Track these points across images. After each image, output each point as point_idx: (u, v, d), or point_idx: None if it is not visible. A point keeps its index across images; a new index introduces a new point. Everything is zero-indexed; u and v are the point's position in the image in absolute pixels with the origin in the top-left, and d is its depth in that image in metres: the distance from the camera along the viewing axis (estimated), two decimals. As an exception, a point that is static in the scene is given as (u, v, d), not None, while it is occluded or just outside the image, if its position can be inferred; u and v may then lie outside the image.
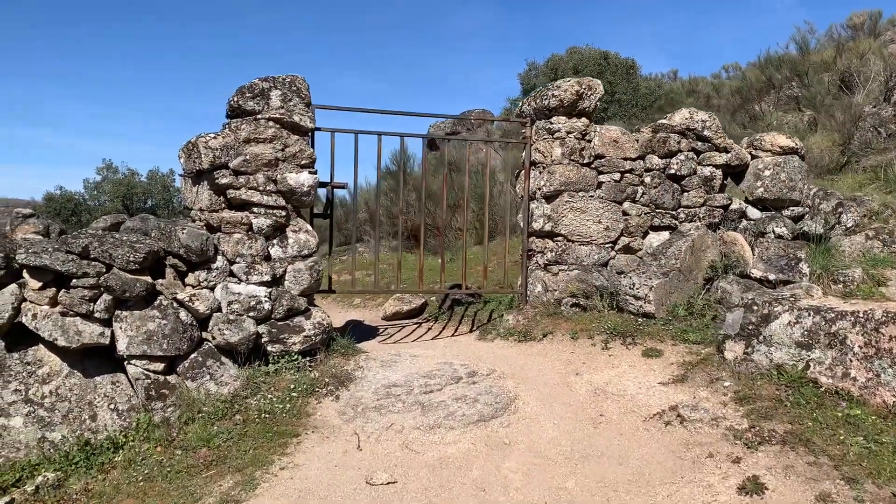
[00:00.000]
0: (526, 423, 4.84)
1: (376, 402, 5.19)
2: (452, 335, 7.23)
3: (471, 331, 7.29)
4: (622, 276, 6.60)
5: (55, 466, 4.97)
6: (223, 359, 5.55)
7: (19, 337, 5.21)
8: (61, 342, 5.07)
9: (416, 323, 8.17)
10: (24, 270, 5.17)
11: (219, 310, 5.57)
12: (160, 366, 5.33)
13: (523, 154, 7.21)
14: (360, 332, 7.39)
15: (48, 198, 21.66)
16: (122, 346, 5.24)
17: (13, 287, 5.11)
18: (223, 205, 5.80)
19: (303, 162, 5.98)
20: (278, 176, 5.86)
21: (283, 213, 5.89)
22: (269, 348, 5.68)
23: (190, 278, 5.57)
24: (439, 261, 12.75)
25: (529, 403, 5.14)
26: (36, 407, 5.17)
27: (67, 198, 21.49)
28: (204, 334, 5.59)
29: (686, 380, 5.29)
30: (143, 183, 21.78)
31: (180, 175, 6.18)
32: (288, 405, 5.19)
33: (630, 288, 6.38)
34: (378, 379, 5.58)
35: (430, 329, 7.68)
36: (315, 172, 6.04)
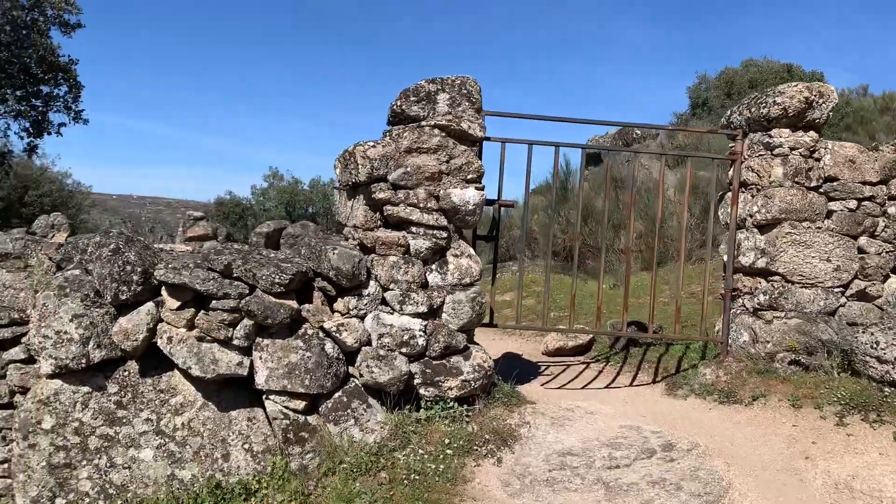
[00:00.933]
0: (748, 528, 3.69)
1: (548, 474, 4.22)
2: (631, 384, 6.12)
3: (654, 381, 6.14)
4: (859, 330, 5.22)
5: (183, 510, 4.42)
6: (370, 400, 4.80)
7: (153, 361, 4.73)
8: (195, 371, 4.52)
9: (582, 363, 7.11)
10: (163, 287, 4.68)
11: (368, 343, 4.83)
12: (301, 404, 4.66)
13: (730, 173, 5.98)
14: (518, 368, 6.43)
15: (219, 202, 22.65)
16: (260, 379, 4.62)
17: (150, 306, 4.62)
18: (379, 222, 5.08)
19: (469, 176, 5.14)
20: (441, 191, 5.05)
21: (444, 235, 5.07)
22: (421, 392, 4.87)
23: (338, 304, 4.88)
24: (599, 285, 11.56)
25: (748, 496, 3.97)
26: (167, 440, 4.65)
27: (235, 203, 22.33)
28: (350, 370, 4.88)
29: (971, 485, 3.90)
30: (305, 191, 22.22)
31: (335, 187, 5.55)
32: (441, 466, 4.34)
33: (872, 347, 4.99)
34: (549, 442, 4.60)
35: (600, 373, 6.61)
36: (482, 188, 5.19)
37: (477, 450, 4.54)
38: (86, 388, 4.62)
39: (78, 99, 11.94)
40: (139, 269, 4.57)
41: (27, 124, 11.51)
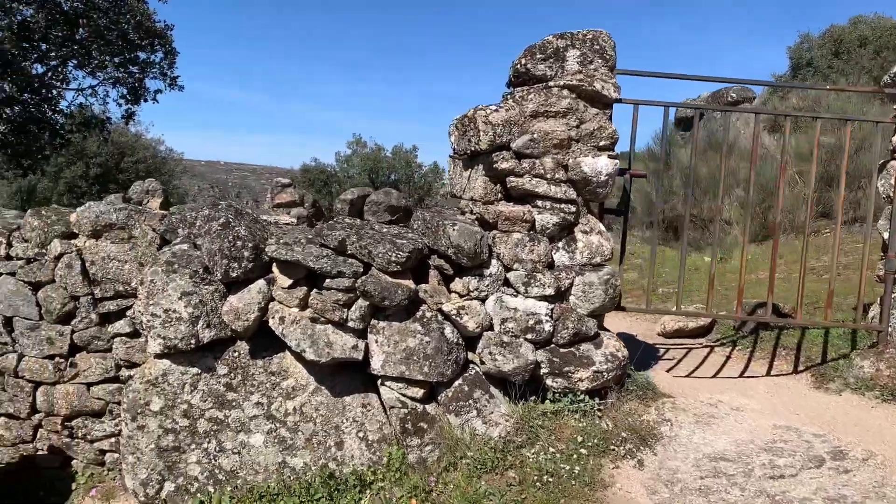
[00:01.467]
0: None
1: (700, 482, 3.74)
2: (768, 374, 5.52)
3: (796, 371, 5.52)
4: None
5: (295, 500, 4.16)
6: (492, 390, 4.41)
7: (263, 340, 4.45)
8: (309, 355, 4.21)
9: (705, 346, 6.53)
10: (274, 264, 4.38)
11: (490, 328, 4.42)
12: (419, 392, 4.31)
13: (894, 139, 5.23)
14: (636, 351, 5.91)
15: (304, 169, 22.63)
16: (376, 364, 4.28)
17: (261, 283, 4.33)
18: (499, 195, 4.63)
19: (602, 143, 4.62)
20: (570, 160, 4.55)
21: (573, 209, 4.58)
22: (548, 382, 4.44)
23: (456, 285, 4.47)
24: (742, 263, 10.78)
25: (947, 521, 3.39)
26: (278, 425, 4.38)
27: (320, 169, 22.26)
28: (470, 356, 4.49)
29: None
30: (388, 158, 21.95)
31: (450, 156, 5.11)
32: (576, 467, 3.91)
33: None
34: (695, 443, 4.11)
35: (728, 358, 6.02)
36: (616, 157, 4.65)
37: (614, 450, 4.09)
38: (195, 370, 4.39)
39: (173, 65, 11.84)
40: (250, 245, 4.27)
41: (125, 91, 11.51)
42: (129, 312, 5.33)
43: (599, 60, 4.67)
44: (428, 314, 4.34)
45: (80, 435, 5.46)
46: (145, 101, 11.73)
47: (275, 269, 4.37)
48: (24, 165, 11.01)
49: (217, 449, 4.36)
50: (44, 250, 5.39)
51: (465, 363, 4.42)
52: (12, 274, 5.36)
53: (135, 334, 5.32)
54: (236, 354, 4.42)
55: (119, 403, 5.41)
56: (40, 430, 5.49)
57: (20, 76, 10.06)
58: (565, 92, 4.57)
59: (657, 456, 4.03)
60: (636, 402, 4.51)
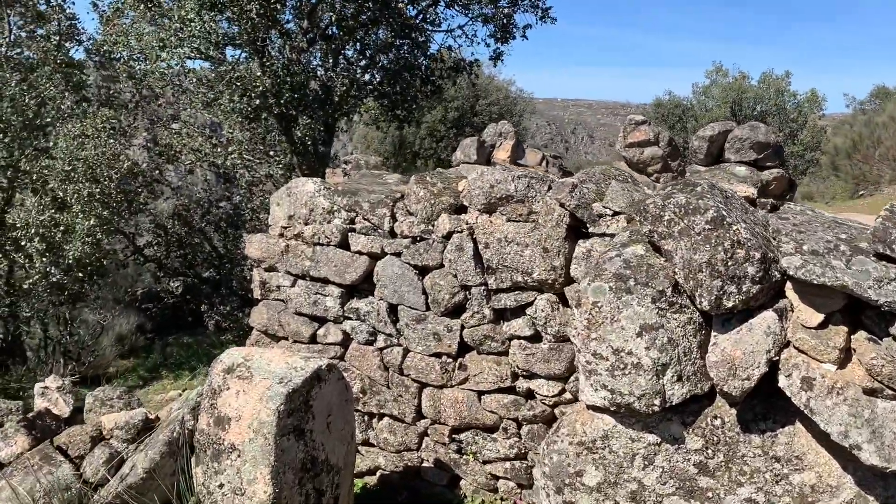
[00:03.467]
0: None
1: None
2: None
3: None
4: None
5: None
6: None
7: (756, 402, 2.77)
8: (868, 456, 2.42)
9: None
10: (787, 284, 2.63)
11: None
12: None
13: None
14: None
15: (657, 103, 20.39)
16: None
17: (769, 319, 2.61)
18: None
19: None
20: None
21: None
22: None
23: None
24: None
25: None
26: (783, 541, 2.72)
27: (675, 103, 19.83)
28: None
29: None
30: (753, 87, 18.66)
31: None
32: None
33: None
34: None
35: None
36: None
37: None
38: (651, 437, 2.89)
39: (546, -7, 10.33)
40: (756, 256, 2.56)
41: (493, 29, 10.45)
42: (528, 310, 4.14)
43: None
44: None
45: (469, 451, 4.50)
46: (513, 38, 10.53)
47: (789, 291, 2.62)
48: (400, 117, 10.58)
49: (680, 553, 2.86)
50: (430, 227, 4.40)
51: None
52: (398, 255, 4.47)
53: (535, 338, 4.16)
54: (717, 423, 2.81)
55: (515, 420, 4.32)
56: (426, 438, 4.64)
57: (397, 19, 9.42)
58: None
59: None
60: None
